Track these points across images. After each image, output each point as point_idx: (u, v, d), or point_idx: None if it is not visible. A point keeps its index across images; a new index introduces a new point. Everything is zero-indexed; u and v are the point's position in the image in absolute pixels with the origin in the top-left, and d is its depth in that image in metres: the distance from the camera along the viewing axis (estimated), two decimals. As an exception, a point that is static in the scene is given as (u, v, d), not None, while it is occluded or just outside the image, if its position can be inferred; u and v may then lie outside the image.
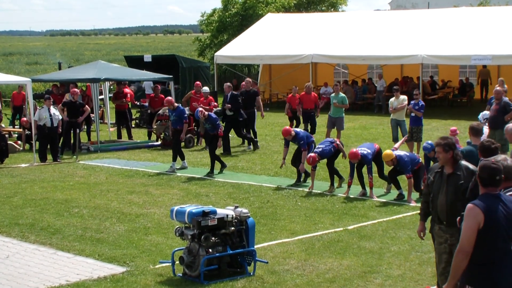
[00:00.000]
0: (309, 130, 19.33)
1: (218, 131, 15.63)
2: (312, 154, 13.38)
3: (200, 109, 16.04)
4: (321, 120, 21.46)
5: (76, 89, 19.92)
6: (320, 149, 13.52)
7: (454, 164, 6.88)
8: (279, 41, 32.23)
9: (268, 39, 32.75)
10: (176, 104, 16.89)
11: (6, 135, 19.16)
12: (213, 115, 15.86)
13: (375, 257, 9.15)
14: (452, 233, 6.79)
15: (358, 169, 13.08)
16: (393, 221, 11.11)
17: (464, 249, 5.38)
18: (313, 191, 13.49)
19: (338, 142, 13.99)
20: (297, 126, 20.17)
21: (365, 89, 31.69)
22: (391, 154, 12.44)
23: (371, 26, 31.68)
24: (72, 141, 19.07)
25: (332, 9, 46.49)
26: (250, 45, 32.77)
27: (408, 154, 12.93)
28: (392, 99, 17.93)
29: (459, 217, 6.21)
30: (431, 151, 12.48)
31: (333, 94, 19.89)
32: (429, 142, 12.85)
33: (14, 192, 13.97)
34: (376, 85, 31.14)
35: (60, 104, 19.36)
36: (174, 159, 16.22)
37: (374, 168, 13.24)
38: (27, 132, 20.14)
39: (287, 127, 14.71)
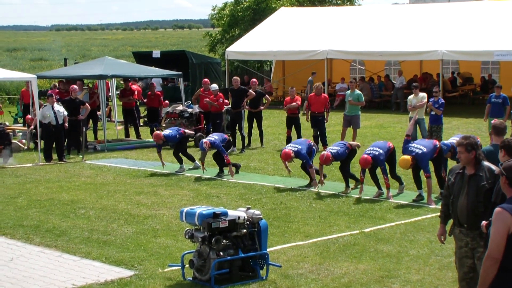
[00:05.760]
0: (319, 139, 18.35)
1: (224, 157, 14.79)
2: (326, 153, 13.07)
3: (205, 140, 15.12)
4: (337, 119, 21.20)
5: (75, 86, 19.65)
6: (335, 151, 13.18)
7: (477, 164, 6.65)
8: (293, 36, 31.79)
9: (282, 34, 32.34)
10: (162, 139, 15.74)
11: (10, 134, 18.92)
12: (217, 142, 14.88)
13: (393, 261, 8.89)
14: (473, 236, 6.57)
15: (372, 170, 12.76)
16: (411, 223, 10.82)
17: (493, 256, 5.14)
18: (328, 192, 13.17)
19: (350, 142, 13.71)
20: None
21: (381, 86, 31.24)
22: (407, 160, 12.01)
23: (389, 21, 31.12)
24: (76, 140, 18.81)
25: (348, 3, 46.05)
26: (263, 40, 32.39)
27: (425, 144, 12.42)
28: (410, 97, 17.56)
29: (486, 222, 6.00)
30: (448, 152, 12.18)
31: (348, 92, 19.33)
32: (445, 142, 12.53)
33: (19, 193, 13.74)
34: (394, 82, 30.68)
35: (59, 102, 19.10)
36: (181, 162, 15.90)
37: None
38: (32, 130, 19.89)
39: (287, 149, 13.65)
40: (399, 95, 28.88)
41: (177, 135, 15.96)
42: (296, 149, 13.59)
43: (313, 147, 14.00)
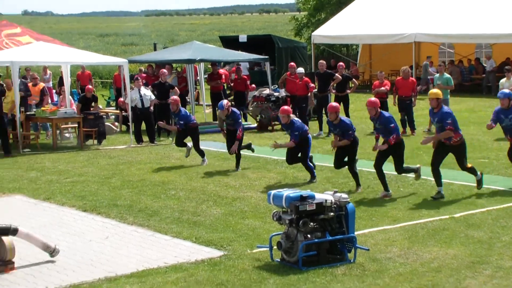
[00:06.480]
0: (406, 123, 18.20)
1: (238, 131, 14.00)
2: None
3: (225, 101, 14.49)
4: (424, 103, 20.63)
5: (164, 70, 20.00)
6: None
7: None
8: (379, 19, 31.30)
9: (368, 18, 31.88)
10: (179, 107, 15.00)
11: (104, 117, 19.51)
12: (237, 112, 14.40)
13: (484, 247, 8.68)
14: None
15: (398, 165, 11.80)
16: (504, 209, 10.51)
17: None
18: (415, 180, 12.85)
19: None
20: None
21: (472, 69, 30.36)
22: (438, 92, 11.40)
23: (479, 1, 30.01)
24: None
25: (437, -17, 44.78)
26: (349, 24, 32.06)
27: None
28: (503, 80, 17.08)
29: None
30: (505, 98, 11.70)
31: (437, 75, 18.99)
32: (507, 90, 12.05)
33: (112, 173, 14.20)
34: (484, 65, 29.78)
35: (150, 86, 19.54)
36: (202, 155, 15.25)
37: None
38: (123, 113, 20.45)
39: (288, 107, 13.14)
40: (490, 79, 28.00)
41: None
42: (296, 119, 13.04)
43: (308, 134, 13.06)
